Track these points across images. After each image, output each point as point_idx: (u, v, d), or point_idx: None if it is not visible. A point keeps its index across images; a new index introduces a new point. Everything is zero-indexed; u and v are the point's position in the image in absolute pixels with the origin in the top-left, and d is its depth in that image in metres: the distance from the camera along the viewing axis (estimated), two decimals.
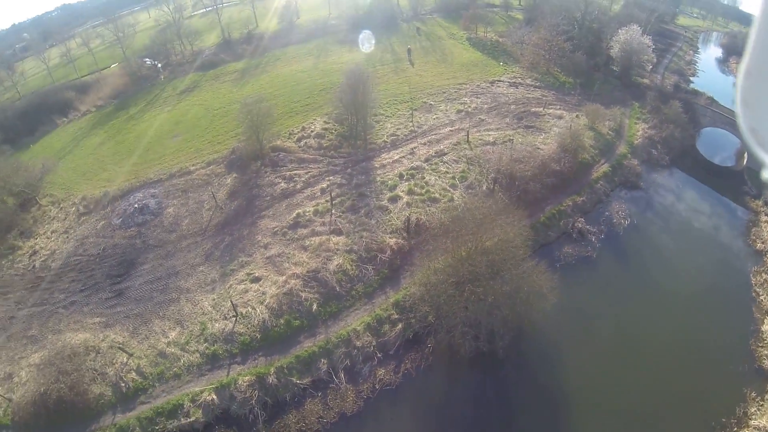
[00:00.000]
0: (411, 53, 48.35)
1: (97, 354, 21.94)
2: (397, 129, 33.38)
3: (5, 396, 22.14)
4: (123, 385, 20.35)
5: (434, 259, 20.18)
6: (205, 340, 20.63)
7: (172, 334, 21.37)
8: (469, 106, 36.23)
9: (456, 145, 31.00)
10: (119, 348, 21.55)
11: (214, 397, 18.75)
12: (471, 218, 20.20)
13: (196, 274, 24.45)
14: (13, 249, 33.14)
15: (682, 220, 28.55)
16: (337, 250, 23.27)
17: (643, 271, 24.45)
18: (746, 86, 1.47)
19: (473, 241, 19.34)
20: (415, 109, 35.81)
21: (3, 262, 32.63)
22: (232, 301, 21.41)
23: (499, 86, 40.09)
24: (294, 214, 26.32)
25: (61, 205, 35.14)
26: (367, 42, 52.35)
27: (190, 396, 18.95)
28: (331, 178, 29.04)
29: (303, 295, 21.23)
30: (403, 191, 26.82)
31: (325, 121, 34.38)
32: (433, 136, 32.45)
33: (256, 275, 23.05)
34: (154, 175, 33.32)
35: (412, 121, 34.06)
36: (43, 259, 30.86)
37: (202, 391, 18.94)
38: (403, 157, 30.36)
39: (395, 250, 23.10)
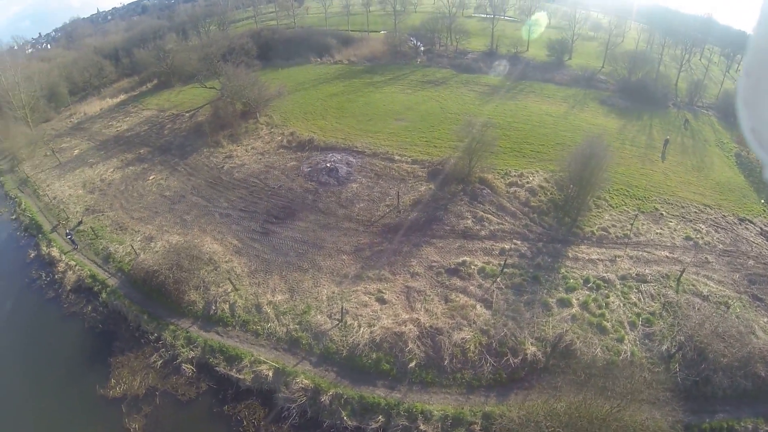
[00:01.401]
0: (667, 145, 43.39)
1: (214, 270, 25.47)
2: (612, 225, 30.08)
3: (137, 250, 28.41)
4: (213, 308, 23.39)
5: (554, 403, 17.89)
6: (299, 323, 21.90)
7: (278, 297, 23.33)
8: (702, 238, 30.64)
9: (663, 277, 26.51)
10: (230, 278, 24.63)
11: (270, 374, 20.05)
12: (622, 384, 17.15)
13: (335, 260, 26.19)
14: (218, 144, 41.73)
15: None
16: (474, 323, 22.29)
17: None
18: (746, 86, 1.61)
19: (606, 415, 16.43)
20: (642, 212, 32.11)
21: (205, 150, 41.22)
22: (344, 306, 22.21)
23: (747, 229, 32.92)
24: (460, 260, 25.82)
25: (272, 130, 42.54)
26: (623, 112, 49.64)
27: (253, 358, 20.71)
28: (518, 242, 27.93)
29: (410, 345, 20.74)
30: (577, 300, 24.04)
31: (545, 179, 33.31)
32: (644, 253, 28.37)
33: (385, 298, 23.27)
34: (360, 145, 37.14)
35: (632, 225, 30.51)
36: (231, 165, 37.83)
37: (265, 362, 20.38)
38: (601, 260, 27.27)
39: (528, 360, 21.12)
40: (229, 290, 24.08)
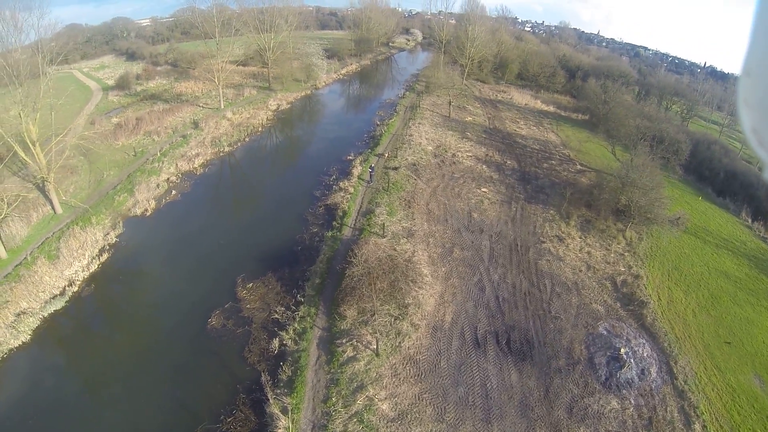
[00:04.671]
0: None
1: (393, 320, 22.12)
2: None
3: (386, 229, 28.25)
4: (342, 342, 20.94)
5: None
6: None
7: (384, 405, 18.68)
8: None
9: None
10: (376, 348, 20.76)
11: None
12: None
13: None
14: (565, 218, 34.12)
15: None
16: None
17: None
18: (746, 86, 1.60)
19: None
20: None
21: (551, 213, 34.50)
22: None
23: None
24: None
25: (625, 253, 31.10)
26: None
27: (292, 407, 18.19)
28: None
29: None
30: None
31: None
32: None
33: None
34: (682, 366, 23.95)
35: None
36: (551, 248, 30.63)
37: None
38: None
39: None
40: (372, 346, 20.50)
